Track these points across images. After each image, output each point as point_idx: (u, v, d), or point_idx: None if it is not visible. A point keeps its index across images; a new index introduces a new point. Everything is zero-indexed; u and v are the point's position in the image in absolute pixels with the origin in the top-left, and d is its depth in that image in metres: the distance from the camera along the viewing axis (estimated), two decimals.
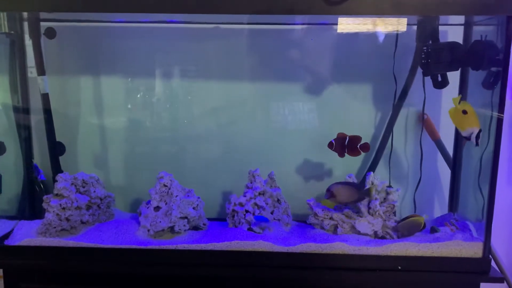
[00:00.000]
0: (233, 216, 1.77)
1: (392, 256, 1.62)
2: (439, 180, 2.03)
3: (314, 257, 1.62)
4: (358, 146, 1.71)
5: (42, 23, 1.83)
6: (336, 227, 1.74)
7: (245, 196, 1.75)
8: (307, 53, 1.98)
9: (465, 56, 1.69)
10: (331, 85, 1.98)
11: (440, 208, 2.02)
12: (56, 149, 1.92)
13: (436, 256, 1.62)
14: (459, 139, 1.87)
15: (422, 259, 1.62)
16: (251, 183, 1.78)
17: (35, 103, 1.90)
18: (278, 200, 1.82)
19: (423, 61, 1.71)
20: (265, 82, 2.00)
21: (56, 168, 1.90)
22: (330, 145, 1.74)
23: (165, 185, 1.73)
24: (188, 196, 1.74)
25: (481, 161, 1.71)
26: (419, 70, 1.80)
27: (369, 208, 1.73)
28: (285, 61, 1.98)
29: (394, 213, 1.75)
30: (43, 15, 1.81)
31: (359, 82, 1.97)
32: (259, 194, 1.76)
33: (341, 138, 1.72)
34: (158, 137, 2.05)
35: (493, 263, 1.66)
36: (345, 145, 1.71)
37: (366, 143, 1.73)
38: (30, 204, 1.92)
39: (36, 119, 1.93)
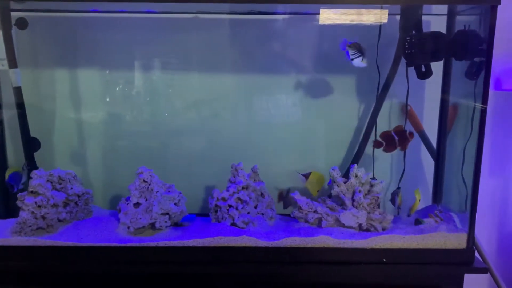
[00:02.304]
0: (216, 211, 1.75)
1: (377, 249, 1.62)
2: (422, 171, 2.03)
3: (298, 251, 1.61)
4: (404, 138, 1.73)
5: (12, 13, 1.76)
6: (320, 220, 1.72)
7: (228, 190, 1.72)
8: (288, 44, 1.95)
9: (449, 46, 1.68)
10: (313, 77, 1.96)
11: (424, 199, 2.01)
12: (30, 145, 1.86)
13: (421, 248, 1.62)
14: (443, 130, 1.86)
15: (407, 251, 1.62)
16: (234, 177, 1.76)
17: (7, 97, 1.83)
18: (261, 194, 1.80)
19: (406, 52, 1.69)
20: (248, 74, 1.97)
21: (31, 165, 1.84)
22: (378, 144, 1.77)
23: (145, 181, 1.69)
24: (169, 191, 1.71)
25: (464, 152, 1.71)
26: (403, 61, 1.78)
27: (353, 200, 1.71)
28: (267, 52, 1.95)
29: (378, 205, 1.74)
30: (13, 4, 1.73)
31: (342, 73, 1.95)
32: (242, 188, 1.73)
33: (388, 136, 1.76)
34: (138, 131, 2.00)
35: (476, 254, 1.67)
36: (393, 140, 1.72)
37: (410, 132, 1.77)
38: (4, 202, 1.85)
39: (9, 114, 1.86)
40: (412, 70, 1.77)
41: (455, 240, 1.63)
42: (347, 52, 1.67)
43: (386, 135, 1.77)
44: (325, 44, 1.94)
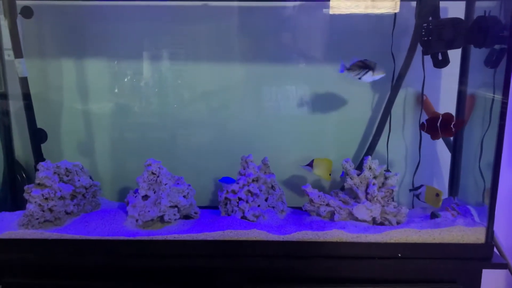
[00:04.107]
0: (226, 204, 1.72)
1: (392, 243, 1.57)
2: (438, 163, 1.98)
3: (310, 246, 1.57)
4: (452, 125, 1.62)
5: (18, 2, 1.73)
6: (333, 213, 1.68)
7: (238, 183, 1.69)
8: (301, 33, 1.90)
9: (468, 33, 1.61)
10: (326, 67, 1.90)
11: None
12: (37, 136, 1.83)
13: (437, 242, 1.57)
14: None
15: (423, 245, 1.57)
16: (244, 169, 1.72)
17: (14, 88, 1.80)
18: (272, 186, 1.77)
19: (423, 39, 1.63)
20: (258, 64, 1.92)
21: (38, 157, 1.82)
22: (422, 126, 1.67)
23: (153, 173, 1.66)
24: (178, 184, 1.68)
25: (482, 144, 1.66)
26: (418, 49, 1.72)
27: (367, 193, 1.67)
28: (278, 41, 1.90)
29: (393, 198, 1.69)
30: None
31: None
32: (253, 180, 1.70)
33: (433, 118, 1.64)
34: (146, 123, 1.97)
35: (494, 249, 1.62)
36: (438, 125, 1.63)
37: (461, 120, 1.68)
38: (12, 194, 1.84)
39: (15, 105, 1.84)
40: (428, 59, 1.71)
41: (473, 235, 1.58)
42: (350, 75, 1.62)
43: (432, 118, 1.65)
44: (337, 32, 1.88)
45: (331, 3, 1.65)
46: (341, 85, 1.91)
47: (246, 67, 1.93)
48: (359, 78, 1.59)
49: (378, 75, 1.60)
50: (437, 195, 1.69)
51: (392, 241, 1.57)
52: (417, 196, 1.75)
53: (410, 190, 1.80)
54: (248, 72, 1.93)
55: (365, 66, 1.57)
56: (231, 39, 1.90)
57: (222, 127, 1.97)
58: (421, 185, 1.75)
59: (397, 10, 1.73)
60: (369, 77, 1.58)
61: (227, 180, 1.68)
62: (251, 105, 1.96)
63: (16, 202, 1.81)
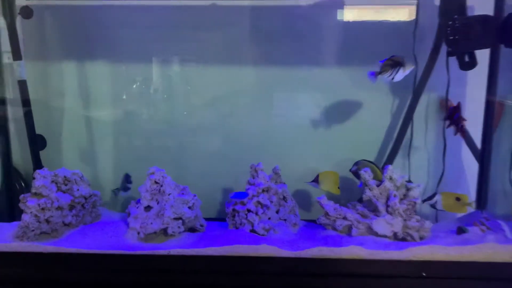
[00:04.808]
0: (234, 216, 1.63)
1: (416, 261, 1.45)
2: (464, 174, 1.86)
3: (326, 263, 1.46)
4: None
5: (17, 1, 1.69)
6: (350, 227, 1.59)
7: (246, 193, 1.61)
8: (314, 34, 1.83)
9: (497, 32, 1.49)
10: (340, 70, 1.84)
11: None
12: (36, 143, 1.78)
13: (466, 260, 1.45)
14: (488, 128, 1.67)
15: (450, 264, 1.45)
16: (253, 178, 1.65)
17: (12, 92, 1.77)
18: (284, 197, 1.68)
19: (449, 38, 1.51)
20: (268, 67, 1.86)
21: (37, 164, 1.77)
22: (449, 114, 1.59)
23: (156, 182, 1.58)
24: (182, 194, 1.60)
25: None
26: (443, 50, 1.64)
27: (387, 206, 1.56)
28: (291, 43, 1.83)
29: (415, 212, 1.58)
30: None
31: (373, 65, 1.77)
32: (263, 191, 1.62)
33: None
34: (150, 129, 1.94)
35: None
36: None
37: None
38: (9, 204, 1.76)
39: (14, 110, 1.78)
40: (453, 60, 1.62)
41: (506, 252, 1.45)
42: (385, 78, 1.52)
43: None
44: (353, 33, 1.81)
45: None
46: (357, 90, 1.84)
47: (255, 70, 1.87)
48: (393, 79, 1.50)
49: (408, 69, 1.50)
50: (458, 199, 1.58)
51: (415, 258, 1.46)
52: (433, 205, 1.63)
53: (424, 201, 1.67)
54: (259, 76, 1.88)
55: (395, 63, 1.46)
56: (240, 42, 1.84)
57: (230, 133, 1.92)
58: (435, 193, 1.65)
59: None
60: (401, 74, 1.49)
61: (240, 196, 1.59)
62: (262, 110, 1.90)
63: (14, 213, 1.74)
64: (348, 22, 1.80)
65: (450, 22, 1.51)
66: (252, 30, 1.82)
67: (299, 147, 1.89)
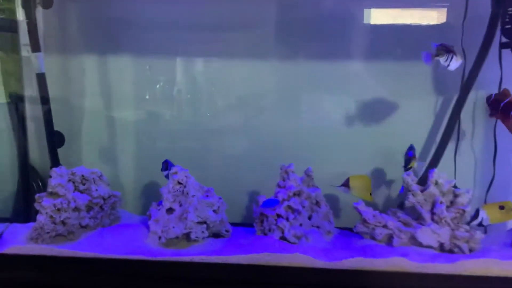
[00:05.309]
0: (262, 222, 1.55)
1: (467, 276, 1.34)
2: None
3: (364, 276, 1.36)
4: None
5: None
6: (390, 237, 1.48)
7: (276, 197, 1.54)
8: (350, 26, 1.73)
9: None
10: (378, 64, 1.73)
11: None
12: (54, 140, 1.73)
13: None
14: None
15: (507, 280, 1.32)
16: (283, 181, 1.57)
17: (30, 86, 1.72)
18: (317, 202, 1.60)
19: (505, 27, 1.37)
20: (298, 64, 1.77)
21: (55, 162, 1.71)
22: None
23: (179, 183, 1.52)
24: (207, 196, 1.54)
25: None
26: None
27: (433, 214, 1.45)
28: (323, 36, 1.74)
29: (464, 221, 1.45)
30: None
31: (413, 59, 1.68)
32: (294, 194, 1.54)
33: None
34: (174, 130, 1.87)
35: None
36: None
37: None
38: (26, 204, 1.72)
39: (31, 105, 1.74)
40: (507, 54, 1.49)
41: None
42: (440, 61, 1.42)
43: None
44: (391, 24, 1.71)
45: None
46: (395, 86, 1.74)
47: (284, 66, 1.78)
48: (448, 66, 1.39)
49: (460, 60, 1.41)
50: (502, 207, 1.45)
51: (466, 273, 1.34)
52: (481, 224, 1.47)
53: (469, 223, 1.51)
54: (287, 73, 1.79)
55: (448, 49, 1.36)
56: (265, 34, 1.75)
57: (258, 133, 1.83)
58: (477, 209, 1.48)
59: None
60: (455, 63, 1.39)
61: (271, 204, 1.49)
62: (291, 109, 1.82)
63: (31, 213, 1.68)
64: (388, 15, 1.70)
65: (510, 9, 1.38)
66: (276, 21, 1.74)
67: (333, 149, 1.79)
